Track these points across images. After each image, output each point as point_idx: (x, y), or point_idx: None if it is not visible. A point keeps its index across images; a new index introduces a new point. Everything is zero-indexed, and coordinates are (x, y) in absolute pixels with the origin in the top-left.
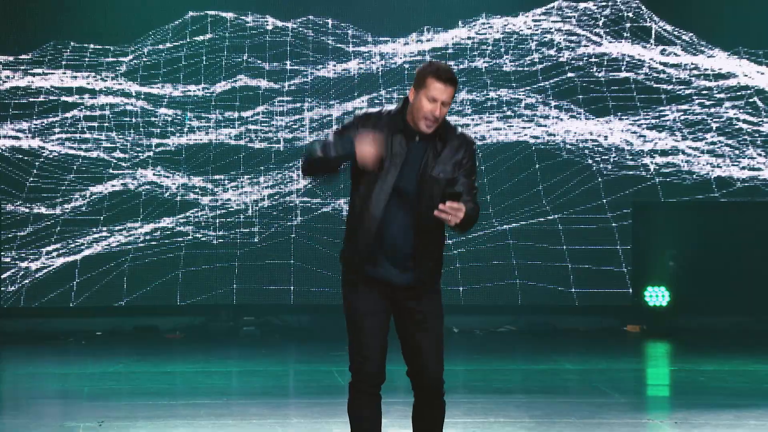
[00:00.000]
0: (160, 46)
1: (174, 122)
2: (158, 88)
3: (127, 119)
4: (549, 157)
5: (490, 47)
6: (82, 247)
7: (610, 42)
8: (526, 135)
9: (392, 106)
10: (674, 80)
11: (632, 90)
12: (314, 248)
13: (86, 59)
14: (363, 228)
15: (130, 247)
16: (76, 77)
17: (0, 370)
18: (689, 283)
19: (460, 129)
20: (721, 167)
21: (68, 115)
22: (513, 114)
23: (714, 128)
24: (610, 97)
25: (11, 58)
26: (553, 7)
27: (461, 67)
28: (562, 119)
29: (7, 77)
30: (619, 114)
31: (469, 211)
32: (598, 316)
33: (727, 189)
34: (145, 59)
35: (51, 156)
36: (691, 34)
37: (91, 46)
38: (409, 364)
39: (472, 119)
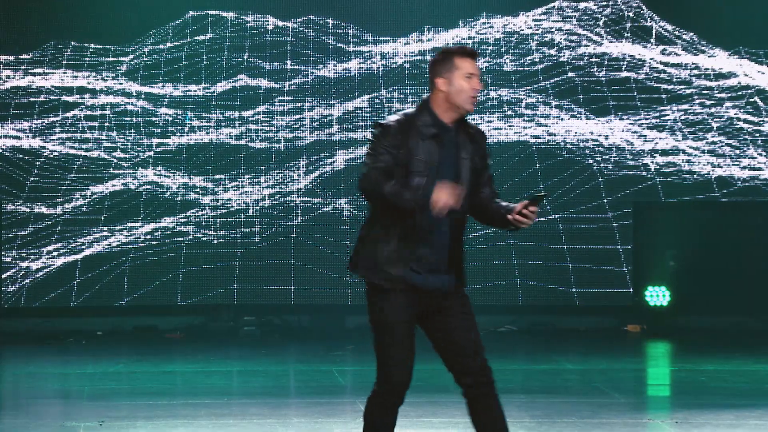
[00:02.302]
0: (161, 46)
1: (175, 122)
2: (159, 87)
3: (128, 119)
4: (549, 157)
5: (490, 47)
6: (82, 246)
7: (611, 42)
8: (526, 135)
9: (408, 110)
10: (675, 80)
11: (633, 90)
12: (315, 248)
13: (87, 59)
14: (407, 236)
15: (130, 246)
16: (76, 77)
17: (0, 370)
18: (690, 283)
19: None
20: (721, 167)
21: (69, 114)
22: (514, 114)
23: (714, 128)
24: (610, 97)
25: (12, 58)
26: (554, 6)
27: None
28: (562, 119)
29: (8, 77)
30: (619, 114)
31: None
32: (598, 316)
33: (728, 189)
34: (145, 59)
35: (52, 156)
36: (691, 33)
37: (92, 45)
38: (456, 363)
39: (473, 119)
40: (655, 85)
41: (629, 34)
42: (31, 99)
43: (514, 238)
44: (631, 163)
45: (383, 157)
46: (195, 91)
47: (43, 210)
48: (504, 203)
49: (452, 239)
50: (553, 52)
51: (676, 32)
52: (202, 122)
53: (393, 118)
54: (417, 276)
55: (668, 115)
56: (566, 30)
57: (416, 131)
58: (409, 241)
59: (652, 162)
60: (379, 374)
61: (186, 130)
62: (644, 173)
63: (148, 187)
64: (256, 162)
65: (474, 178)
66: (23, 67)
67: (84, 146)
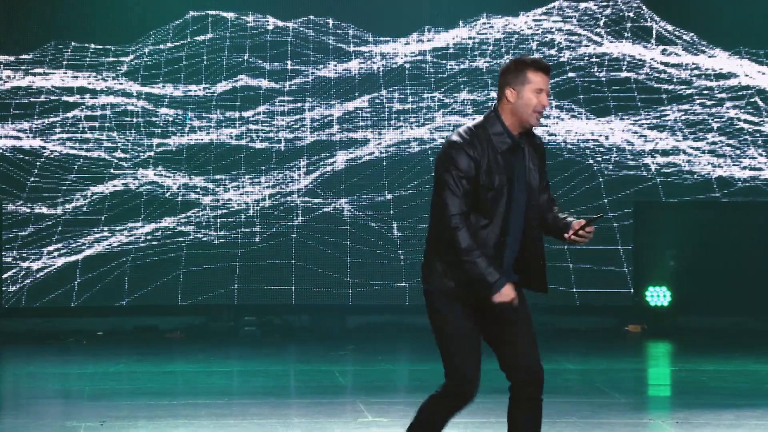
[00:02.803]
0: (161, 46)
1: (175, 122)
2: (159, 88)
3: (128, 119)
4: (550, 157)
5: (491, 47)
6: (83, 247)
7: (611, 42)
8: None
9: (475, 121)
10: (675, 80)
11: (633, 90)
12: (315, 248)
13: (87, 59)
14: (485, 247)
15: (131, 247)
16: (77, 77)
17: (1, 370)
18: (690, 283)
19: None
20: (722, 167)
21: (69, 115)
22: None
23: (715, 128)
24: (611, 97)
25: (12, 58)
26: (554, 7)
27: (462, 66)
28: (563, 119)
29: (8, 77)
30: (620, 114)
31: None
32: (599, 316)
33: (728, 189)
34: (146, 59)
35: (52, 156)
36: (691, 34)
37: (92, 46)
38: (513, 365)
39: (473, 119)
40: (656, 86)
41: (629, 35)
42: (32, 99)
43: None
44: (632, 163)
45: (462, 188)
46: (195, 91)
47: (44, 210)
48: (562, 215)
49: (524, 246)
50: (553, 52)
51: (677, 32)
52: (202, 122)
53: (465, 133)
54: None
55: (669, 115)
56: (566, 30)
57: (491, 144)
58: (488, 252)
59: (653, 162)
60: (451, 380)
61: (186, 130)
62: (645, 173)
63: (149, 187)
64: (256, 162)
65: (539, 191)
66: (24, 68)
67: (84, 146)
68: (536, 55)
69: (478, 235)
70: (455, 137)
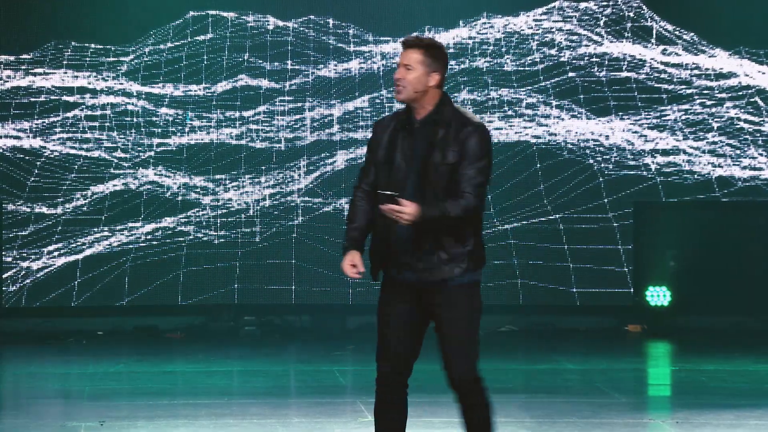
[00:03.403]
0: (161, 46)
1: (175, 122)
2: (159, 87)
3: (128, 119)
4: (550, 157)
5: (491, 47)
6: (83, 246)
7: (611, 42)
8: (527, 135)
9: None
10: (675, 80)
11: (633, 90)
12: (316, 248)
13: (87, 59)
14: (376, 229)
15: (131, 246)
16: (77, 77)
17: (1, 370)
18: (690, 283)
19: (469, 115)
20: (722, 167)
21: (69, 114)
22: (514, 114)
23: (715, 128)
24: (611, 97)
25: (12, 58)
26: (554, 6)
27: (462, 66)
28: (563, 119)
29: (8, 77)
30: (620, 114)
31: (432, 212)
32: (599, 316)
33: (729, 189)
34: (146, 59)
35: (52, 156)
36: (692, 33)
37: (92, 45)
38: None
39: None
40: (656, 85)
41: (630, 34)
42: (32, 99)
43: (515, 238)
44: (632, 163)
45: (367, 162)
46: (195, 91)
47: (44, 210)
48: (443, 203)
49: (419, 230)
50: (553, 52)
51: (677, 32)
52: (202, 122)
53: (385, 116)
54: (391, 270)
55: (669, 115)
56: (567, 30)
57: (398, 123)
58: (380, 235)
59: (653, 162)
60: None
61: (186, 130)
62: (645, 173)
63: (149, 187)
64: (256, 162)
65: (444, 171)
66: (24, 67)
67: (84, 146)
68: (426, 36)
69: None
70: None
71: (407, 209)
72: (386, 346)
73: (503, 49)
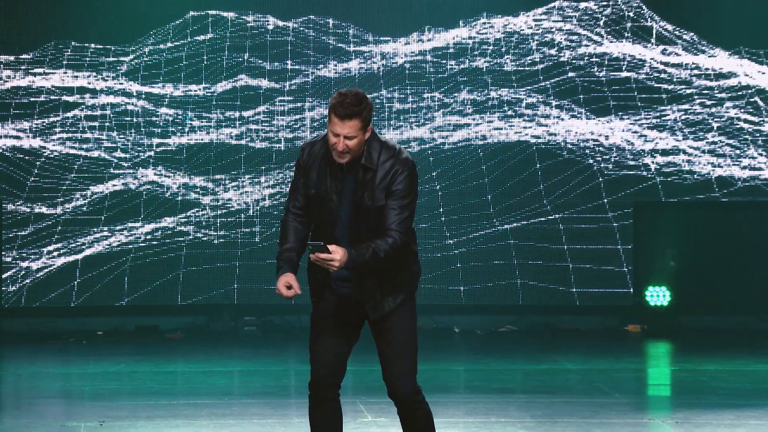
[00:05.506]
0: (161, 46)
1: (175, 122)
2: (159, 87)
3: (128, 119)
4: (550, 157)
5: (491, 47)
6: (83, 246)
7: (611, 42)
8: (527, 135)
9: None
10: (675, 80)
11: (633, 90)
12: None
13: (87, 59)
14: (314, 266)
15: (131, 246)
16: (77, 77)
17: (1, 370)
18: (690, 283)
19: (396, 152)
20: (722, 167)
21: (69, 114)
22: (514, 114)
23: (715, 128)
24: (611, 97)
25: (12, 58)
26: (554, 6)
27: (462, 66)
28: (563, 119)
29: (8, 77)
30: (620, 114)
31: (361, 257)
32: (599, 316)
33: (728, 189)
34: (146, 59)
35: (52, 156)
36: (692, 33)
37: (92, 45)
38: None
39: (473, 119)
40: (656, 85)
41: (629, 34)
42: (32, 99)
43: (514, 238)
44: (632, 163)
45: (296, 185)
46: (195, 91)
47: (44, 210)
48: (365, 248)
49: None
50: (553, 52)
51: (677, 32)
52: (202, 122)
53: (314, 140)
54: (332, 287)
55: (668, 115)
56: (566, 30)
57: (327, 156)
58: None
59: (653, 162)
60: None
61: (186, 130)
62: (644, 173)
63: (149, 187)
64: (256, 162)
65: (373, 213)
66: (23, 67)
67: (84, 146)
68: (353, 94)
69: (317, 233)
70: (311, 138)
71: (336, 256)
72: (321, 351)
73: (503, 49)
